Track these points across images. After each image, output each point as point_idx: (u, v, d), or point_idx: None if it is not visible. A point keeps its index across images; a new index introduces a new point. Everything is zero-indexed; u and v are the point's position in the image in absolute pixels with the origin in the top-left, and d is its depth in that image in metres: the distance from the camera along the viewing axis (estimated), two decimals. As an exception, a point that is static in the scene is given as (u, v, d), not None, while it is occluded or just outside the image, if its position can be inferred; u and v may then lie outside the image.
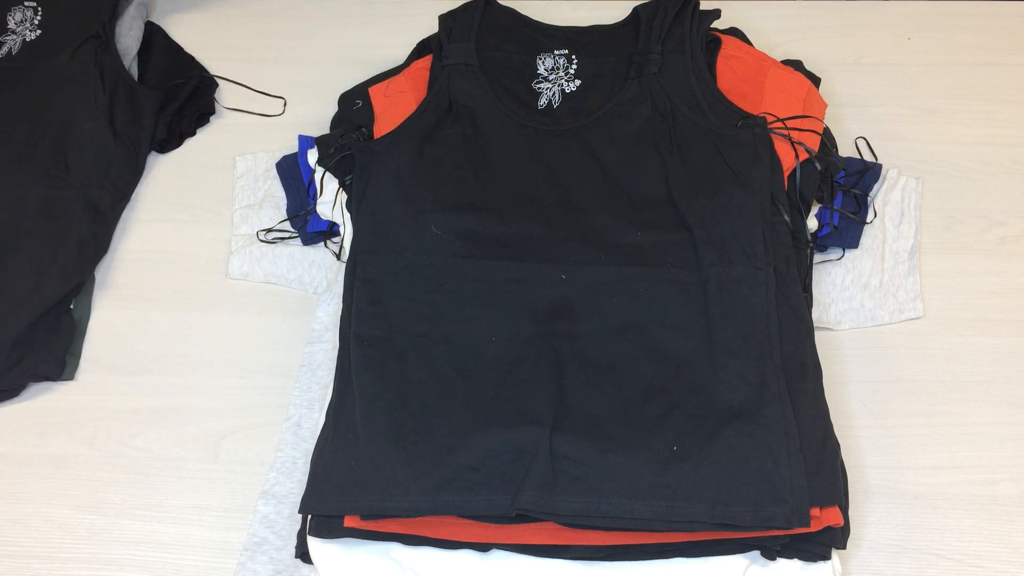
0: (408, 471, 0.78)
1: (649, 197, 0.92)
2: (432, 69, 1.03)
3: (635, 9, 1.06)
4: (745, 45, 1.03)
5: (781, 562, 0.77)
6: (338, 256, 1.01)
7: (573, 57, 1.03)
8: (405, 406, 0.81)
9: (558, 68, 1.02)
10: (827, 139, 0.99)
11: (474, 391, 0.82)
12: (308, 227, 1.02)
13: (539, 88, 1.01)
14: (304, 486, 0.83)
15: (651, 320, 0.85)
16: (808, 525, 0.74)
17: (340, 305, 0.92)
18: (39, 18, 1.17)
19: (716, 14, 1.03)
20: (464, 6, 1.06)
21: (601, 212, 0.92)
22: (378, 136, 0.99)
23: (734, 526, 0.75)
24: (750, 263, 0.86)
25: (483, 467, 0.77)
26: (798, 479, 0.76)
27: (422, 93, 1.02)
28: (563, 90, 1.00)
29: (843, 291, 0.98)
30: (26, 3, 1.19)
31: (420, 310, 0.87)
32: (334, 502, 0.78)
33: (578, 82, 1.01)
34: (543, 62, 1.03)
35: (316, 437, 0.85)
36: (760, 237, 0.88)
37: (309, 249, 1.04)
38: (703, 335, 0.84)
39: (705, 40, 1.01)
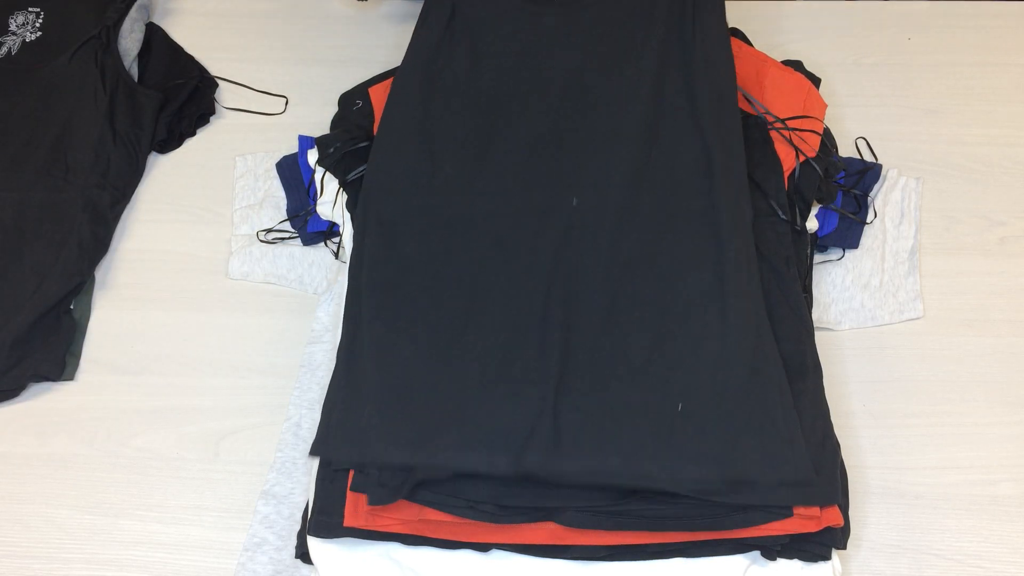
0: (413, 428, 0.77)
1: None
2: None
3: None
4: (745, 45, 1.03)
5: (781, 562, 0.77)
6: (336, 255, 1.01)
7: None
8: (416, 358, 0.81)
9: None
10: (827, 139, 1.00)
11: (482, 343, 0.82)
12: (308, 227, 1.02)
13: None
14: (304, 486, 0.83)
15: (661, 253, 0.85)
16: (811, 481, 0.75)
17: (340, 305, 0.92)
18: (40, 21, 1.18)
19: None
20: None
21: (614, 143, 0.91)
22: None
23: (742, 483, 0.75)
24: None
25: (486, 424, 0.77)
26: (796, 432, 0.77)
27: (422, 92, 1.02)
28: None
29: (843, 291, 0.98)
30: (29, 8, 1.19)
31: (433, 251, 0.87)
32: (344, 452, 0.78)
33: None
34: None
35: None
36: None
37: (309, 249, 1.04)
38: (714, 272, 0.84)
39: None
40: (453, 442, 0.77)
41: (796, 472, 0.74)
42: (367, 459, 0.77)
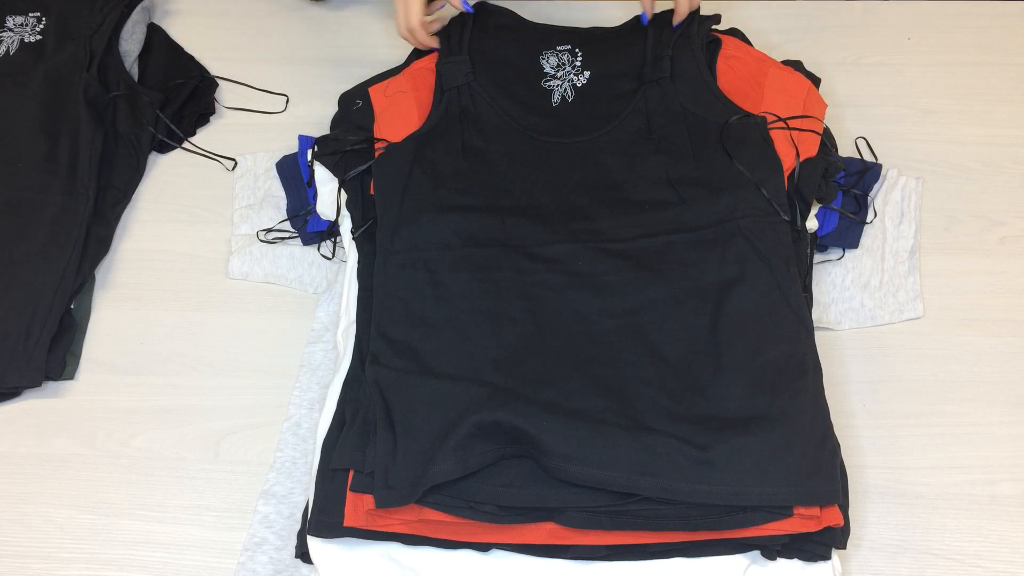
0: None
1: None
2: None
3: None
4: (745, 45, 1.03)
5: (781, 562, 0.77)
6: (331, 256, 1.01)
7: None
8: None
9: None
10: (827, 139, 0.99)
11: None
12: (308, 227, 1.02)
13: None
14: (304, 486, 0.82)
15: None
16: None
17: (340, 305, 0.92)
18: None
19: (716, 19, 1.03)
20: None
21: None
22: (378, 136, 0.99)
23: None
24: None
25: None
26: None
27: (422, 93, 1.02)
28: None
29: (843, 291, 0.98)
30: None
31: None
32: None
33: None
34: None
35: (315, 437, 0.85)
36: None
37: (309, 249, 1.04)
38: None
39: (705, 41, 1.01)
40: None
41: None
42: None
